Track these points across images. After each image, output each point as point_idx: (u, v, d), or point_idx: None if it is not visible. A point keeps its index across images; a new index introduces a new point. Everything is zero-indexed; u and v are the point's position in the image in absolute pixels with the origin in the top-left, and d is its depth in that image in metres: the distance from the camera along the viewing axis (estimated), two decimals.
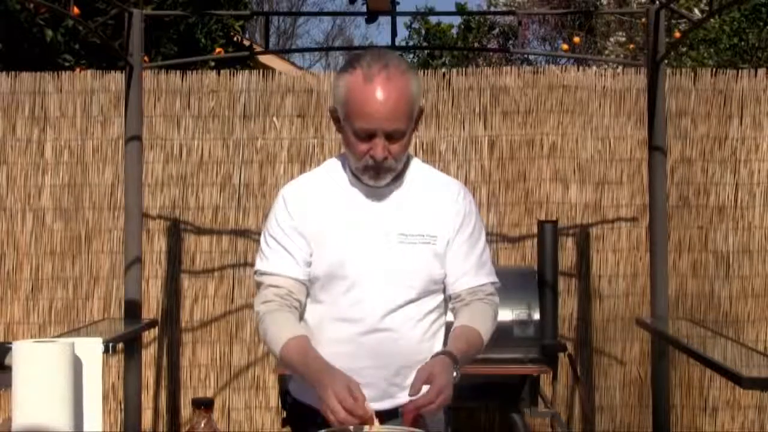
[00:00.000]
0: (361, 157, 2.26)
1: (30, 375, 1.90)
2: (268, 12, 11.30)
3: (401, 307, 2.30)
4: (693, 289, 5.49)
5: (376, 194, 2.35)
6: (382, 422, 2.09)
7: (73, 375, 1.95)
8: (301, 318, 2.36)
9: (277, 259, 2.33)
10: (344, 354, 2.23)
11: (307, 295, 2.35)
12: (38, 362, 1.91)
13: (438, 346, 2.36)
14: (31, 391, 1.89)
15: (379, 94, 2.21)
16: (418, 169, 2.43)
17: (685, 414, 5.44)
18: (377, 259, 2.30)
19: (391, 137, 2.24)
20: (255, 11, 15.59)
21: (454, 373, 2.14)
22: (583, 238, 5.50)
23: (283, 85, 5.62)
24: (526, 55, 13.63)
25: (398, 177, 2.37)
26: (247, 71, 5.73)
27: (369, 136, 2.23)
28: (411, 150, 2.43)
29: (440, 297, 2.38)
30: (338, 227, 2.33)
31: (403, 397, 2.23)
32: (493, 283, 2.42)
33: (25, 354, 1.91)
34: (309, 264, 2.33)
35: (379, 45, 5.88)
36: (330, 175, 2.41)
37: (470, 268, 2.37)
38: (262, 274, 2.35)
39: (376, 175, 2.28)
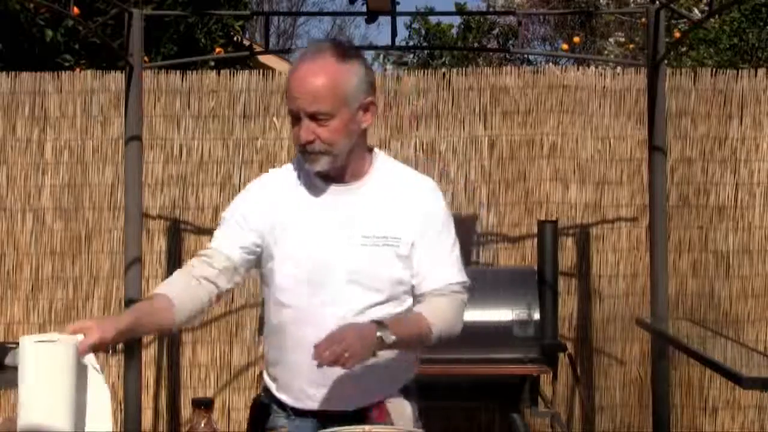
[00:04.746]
0: (295, 142, 2.28)
1: (35, 373, 1.89)
2: (268, 12, 11.28)
3: (367, 309, 2.26)
4: (693, 289, 5.49)
5: (339, 192, 2.32)
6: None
7: (77, 374, 1.94)
8: (266, 322, 2.38)
9: (219, 237, 2.36)
10: (309, 358, 2.09)
11: (235, 281, 2.34)
12: (44, 360, 1.90)
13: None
14: (36, 389, 1.89)
15: (302, 74, 2.24)
16: (384, 167, 2.38)
17: (685, 414, 5.44)
18: (340, 261, 2.27)
19: (315, 119, 2.22)
20: (255, 11, 15.59)
21: (378, 333, 2.12)
22: (583, 238, 5.49)
23: (283, 85, 5.59)
24: (526, 55, 13.63)
25: (361, 174, 2.34)
26: (247, 71, 5.73)
27: (298, 119, 2.25)
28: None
29: (409, 300, 2.34)
30: (298, 226, 2.30)
31: (368, 399, 2.27)
32: (460, 282, 2.37)
33: (31, 352, 1.91)
34: (248, 252, 2.33)
35: (378, 45, 5.88)
36: (296, 172, 2.38)
37: (436, 269, 2.33)
38: (206, 247, 2.39)
39: (307, 158, 2.28)
